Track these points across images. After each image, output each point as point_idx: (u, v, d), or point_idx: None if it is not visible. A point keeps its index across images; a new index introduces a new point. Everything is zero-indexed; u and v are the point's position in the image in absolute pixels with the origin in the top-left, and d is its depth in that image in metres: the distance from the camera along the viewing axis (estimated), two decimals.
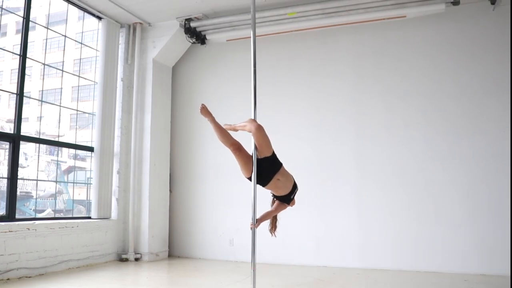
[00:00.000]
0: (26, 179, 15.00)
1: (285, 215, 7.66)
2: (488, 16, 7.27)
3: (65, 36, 7.80)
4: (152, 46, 8.64)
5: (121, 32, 8.63)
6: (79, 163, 15.81)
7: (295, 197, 5.09)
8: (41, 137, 8.81)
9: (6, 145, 6.79)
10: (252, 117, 4.90)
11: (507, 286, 5.91)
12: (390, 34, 7.86)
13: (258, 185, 4.82)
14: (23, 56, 6.83)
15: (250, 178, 4.84)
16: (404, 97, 7.64)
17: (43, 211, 15.08)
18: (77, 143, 8.15)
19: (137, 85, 8.57)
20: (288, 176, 4.93)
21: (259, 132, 4.70)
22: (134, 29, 8.65)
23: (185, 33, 8.49)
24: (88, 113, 8.63)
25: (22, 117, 6.79)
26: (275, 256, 7.94)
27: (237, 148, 4.83)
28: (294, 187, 4.99)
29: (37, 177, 8.84)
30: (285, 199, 5.03)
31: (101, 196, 7.92)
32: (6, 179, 6.63)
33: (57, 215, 8.39)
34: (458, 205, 7.12)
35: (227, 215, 8.49)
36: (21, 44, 6.86)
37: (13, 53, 7.68)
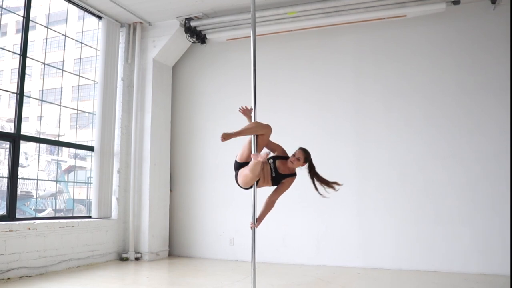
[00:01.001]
0: (27, 179, 15.01)
1: (286, 214, 7.70)
2: (488, 16, 7.27)
3: (65, 35, 7.80)
4: (152, 45, 8.64)
5: (121, 32, 8.63)
6: (79, 163, 15.82)
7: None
8: (41, 136, 8.80)
9: (7, 144, 6.80)
10: (253, 119, 4.93)
11: (507, 286, 5.92)
12: (391, 33, 7.86)
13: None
14: (23, 55, 6.83)
15: (249, 188, 4.92)
16: (404, 96, 7.64)
17: (43, 210, 15.10)
18: (77, 143, 8.15)
19: (137, 85, 8.57)
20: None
21: (271, 132, 4.92)
22: (134, 29, 8.65)
23: (185, 32, 8.49)
24: (88, 113, 8.64)
25: (22, 116, 6.79)
26: (275, 256, 7.94)
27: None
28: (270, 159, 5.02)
29: (38, 176, 8.87)
30: (278, 178, 5.00)
31: (101, 195, 7.92)
32: (6, 179, 6.63)
33: (57, 215, 8.39)
34: (458, 204, 7.12)
35: (227, 215, 8.49)
36: (21, 44, 6.86)
37: (13, 52, 7.68)
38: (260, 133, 4.83)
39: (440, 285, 6.03)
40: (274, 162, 5.01)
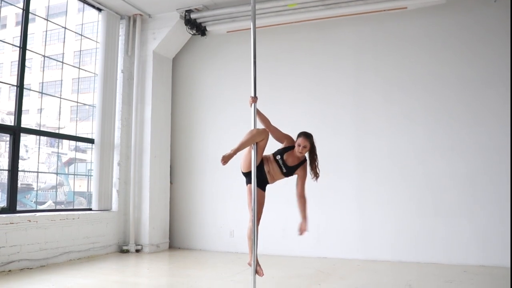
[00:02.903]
0: (27, 171, 15.04)
1: (286, 206, 7.70)
2: (489, 8, 7.23)
3: (65, 28, 7.79)
4: (152, 37, 8.62)
5: (121, 24, 8.61)
6: (79, 155, 15.84)
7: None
8: (42, 129, 8.81)
9: (7, 137, 6.80)
10: (252, 120, 4.85)
11: (506, 277, 5.93)
12: (391, 25, 7.83)
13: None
14: (23, 48, 6.81)
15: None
16: (404, 89, 7.63)
17: (44, 203, 15.15)
18: (77, 135, 8.16)
19: (138, 77, 8.55)
20: (268, 158, 4.97)
21: (268, 135, 4.86)
22: (134, 21, 8.63)
23: (185, 24, 8.47)
24: (89, 105, 8.64)
25: (23, 109, 6.79)
26: (276, 248, 7.96)
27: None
28: (276, 156, 4.92)
29: (38, 169, 8.88)
30: (290, 171, 4.93)
31: (101, 188, 7.93)
32: (6, 171, 6.64)
33: (58, 207, 8.42)
34: (458, 196, 7.13)
35: (227, 207, 8.50)
36: (21, 36, 6.84)
37: (13, 45, 7.68)
38: (258, 140, 4.73)
39: (439, 277, 6.05)
40: (282, 158, 4.89)
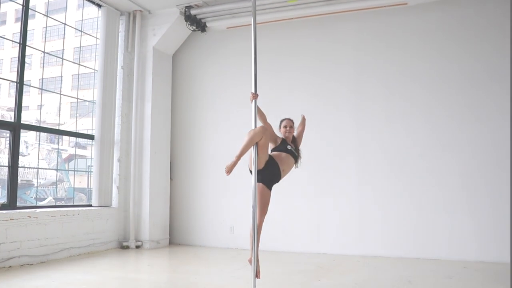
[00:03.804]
0: (27, 168, 15.04)
1: (286, 203, 7.71)
2: (490, 3, 7.21)
3: (65, 24, 7.77)
4: (152, 34, 8.60)
5: (121, 20, 8.59)
6: (79, 151, 15.84)
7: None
8: (42, 125, 8.82)
9: (7, 133, 6.80)
10: (253, 117, 4.85)
11: (506, 273, 5.93)
12: (392, 21, 7.81)
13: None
14: (23, 44, 6.80)
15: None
16: (405, 85, 7.61)
17: (44, 199, 15.19)
18: (77, 131, 8.16)
19: (137, 73, 8.55)
20: (279, 156, 5.00)
21: (267, 132, 4.87)
22: (134, 17, 8.61)
23: (185, 20, 8.45)
24: (89, 101, 8.64)
25: (23, 105, 6.79)
26: (276, 244, 7.96)
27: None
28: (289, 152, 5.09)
29: (38, 165, 8.89)
30: (297, 151, 5.20)
31: (101, 184, 7.93)
32: (7, 168, 6.64)
33: (58, 203, 8.43)
34: (458, 192, 7.13)
35: (227, 203, 8.50)
36: (20, 32, 6.83)
37: (12, 41, 7.69)
38: (257, 140, 4.71)
39: (439, 272, 6.06)
40: (291, 146, 5.12)
